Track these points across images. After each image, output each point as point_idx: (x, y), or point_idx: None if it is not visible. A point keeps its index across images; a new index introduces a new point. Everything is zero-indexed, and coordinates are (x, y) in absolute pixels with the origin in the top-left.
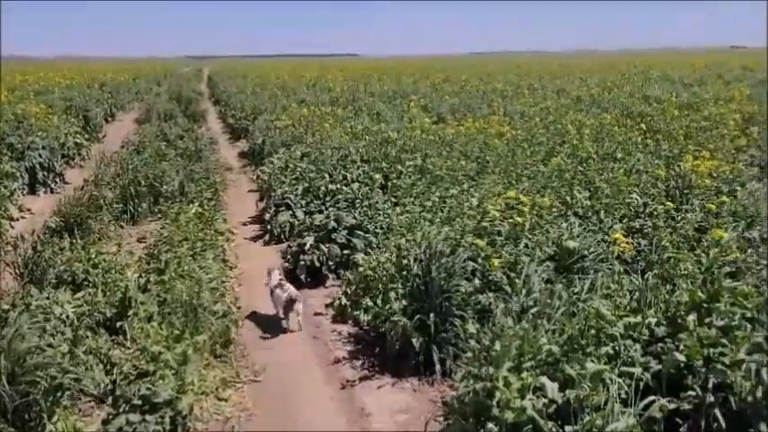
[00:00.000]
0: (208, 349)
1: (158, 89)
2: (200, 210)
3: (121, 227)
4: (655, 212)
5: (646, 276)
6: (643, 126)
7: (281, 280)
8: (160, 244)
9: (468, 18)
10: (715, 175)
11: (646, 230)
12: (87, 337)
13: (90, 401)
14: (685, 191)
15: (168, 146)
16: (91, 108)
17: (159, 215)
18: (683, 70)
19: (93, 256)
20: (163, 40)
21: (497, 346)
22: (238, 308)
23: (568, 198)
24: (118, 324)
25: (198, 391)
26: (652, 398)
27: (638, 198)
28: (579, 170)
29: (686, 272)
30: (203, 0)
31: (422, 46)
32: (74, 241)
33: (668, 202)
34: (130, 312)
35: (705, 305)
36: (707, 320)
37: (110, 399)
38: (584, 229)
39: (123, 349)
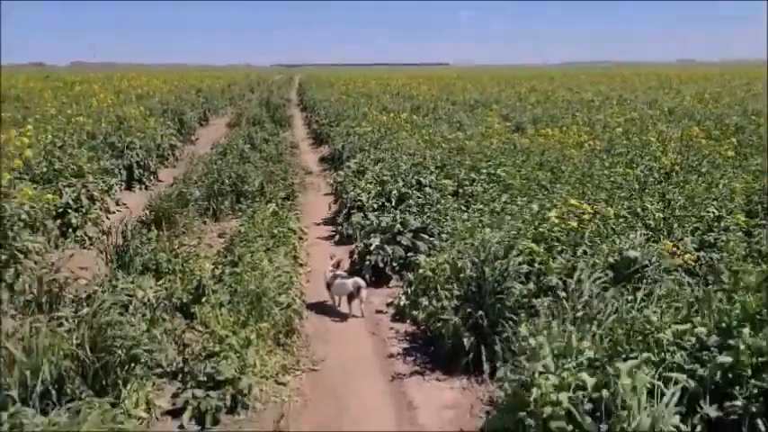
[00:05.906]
0: (271, 336)
1: (251, 96)
2: (276, 209)
3: (204, 222)
4: (729, 227)
5: (709, 288)
6: (734, 140)
7: (338, 272)
8: (236, 239)
9: (559, 28)
10: None
11: (719, 244)
12: (164, 319)
13: (163, 378)
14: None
15: (253, 149)
16: (186, 112)
17: (239, 213)
18: None
19: (176, 247)
20: (257, 50)
21: (533, 342)
22: (303, 301)
23: (639, 209)
24: (192, 309)
25: (258, 373)
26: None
27: (715, 211)
28: (652, 181)
29: (748, 285)
30: (298, 10)
31: (513, 56)
32: (160, 233)
33: (744, 217)
34: (204, 299)
35: (758, 316)
36: (761, 333)
37: (180, 375)
38: (651, 239)
39: (195, 332)
